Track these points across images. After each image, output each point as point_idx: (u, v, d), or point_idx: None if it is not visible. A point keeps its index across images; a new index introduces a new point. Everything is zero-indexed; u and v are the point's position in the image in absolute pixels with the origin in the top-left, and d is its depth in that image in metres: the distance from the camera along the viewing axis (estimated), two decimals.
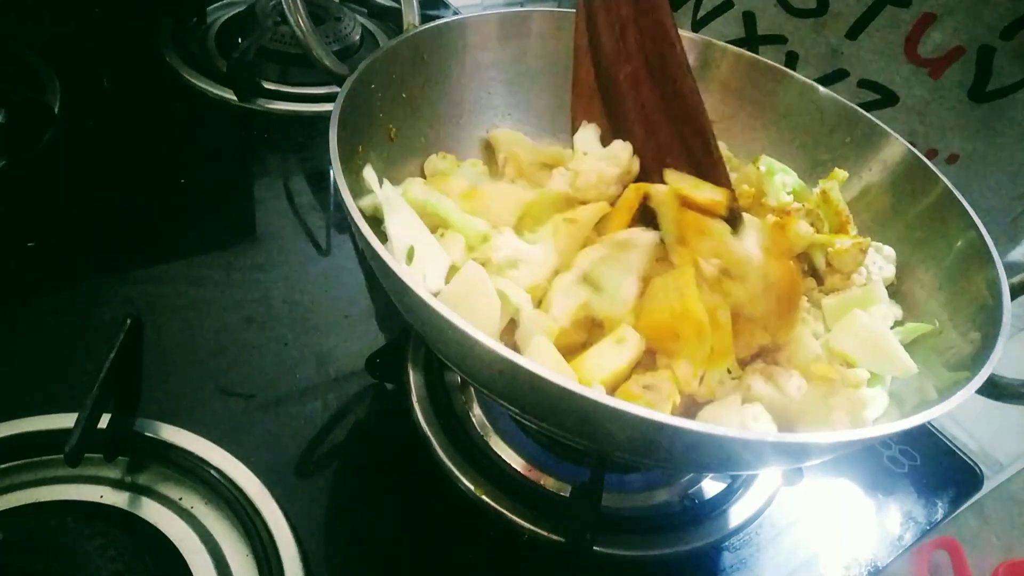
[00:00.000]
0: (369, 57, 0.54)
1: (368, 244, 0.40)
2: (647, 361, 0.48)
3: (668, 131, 0.55)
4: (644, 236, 0.51)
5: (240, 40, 0.92)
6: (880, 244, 0.57)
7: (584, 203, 0.55)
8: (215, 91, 0.91)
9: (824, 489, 0.64)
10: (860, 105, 0.65)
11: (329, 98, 0.76)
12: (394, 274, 0.39)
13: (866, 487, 0.65)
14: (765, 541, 0.58)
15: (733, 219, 0.53)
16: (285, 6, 0.54)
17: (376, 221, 0.50)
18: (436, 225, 0.53)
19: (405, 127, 0.59)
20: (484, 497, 0.54)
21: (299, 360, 0.63)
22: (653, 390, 0.45)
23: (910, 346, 0.51)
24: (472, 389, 0.61)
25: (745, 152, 0.67)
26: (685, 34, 0.69)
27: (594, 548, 0.51)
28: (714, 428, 0.35)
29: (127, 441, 0.51)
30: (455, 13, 0.66)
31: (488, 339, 0.35)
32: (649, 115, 0.56)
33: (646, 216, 0.54)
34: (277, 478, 0.52)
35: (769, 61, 0.69)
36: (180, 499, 0.51)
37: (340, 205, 0.81)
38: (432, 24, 0.60)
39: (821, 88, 0.66)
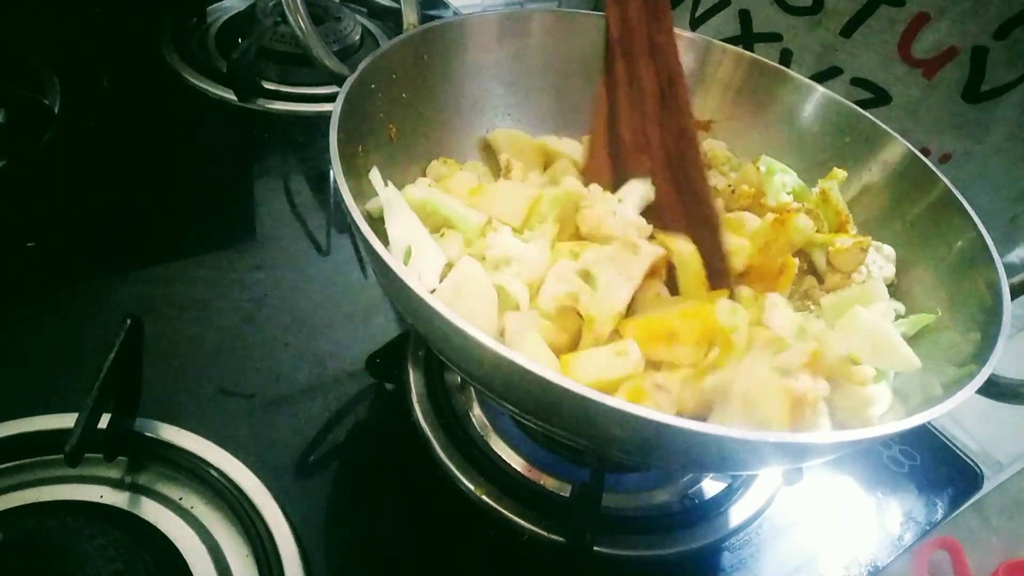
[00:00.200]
0: (369, 57, 0.54)
1: (367, 243, 0.40)
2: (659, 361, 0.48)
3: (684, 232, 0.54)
4: (650, 248, 0.51)
5: (240, 40, 0.92)
6: (880, 243, 0.57)
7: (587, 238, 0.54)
8: (215, 91, 0.91)
9: (824, 489, 0.64)
10: (853, 103, 0.65)
11: (329, 98, 0.76)
12: (392, 273, 0.39)
13: (866, 487, 0.65)
14: (765, 541, 0.58)
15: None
16: (285, 6, 0.54)
17: (382, 222, 0.51)
18: (439, 225, 0.53)
19: (405, 127, 0.59)
20: (484, 497, 0.54)
21: (299, 360, 0.63)
22: (663, 390, 0.45)
23: (910, 344, 0.51)
24: (472, 389, 0.61)
25: (745, 152, 0.67)
26: (685, 34, 0.70)
27: (594, 548, 0.51)
28: (714, 428, 0.35)
29: (127, 441, 0.51)
30: (455, 13, 0.66)
31: (487, 338, 0.35)
32: (663, 213, 0.55)
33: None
34: (277, 478, 0.52)
35: (769, 61, 0.69)
36: (180, 499, 0.51)
37: (340, 205, 0.81)
38: (432, 24, 0.60)
39: (821, 88, 0.66)
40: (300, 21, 0.54)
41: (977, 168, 0.78)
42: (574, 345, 0.49)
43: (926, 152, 0.77)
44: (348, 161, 0.48)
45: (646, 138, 0.55)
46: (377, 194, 0.53)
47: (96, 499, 0.50)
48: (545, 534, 0.53)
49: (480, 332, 0.36)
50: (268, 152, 0.89)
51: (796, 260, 0.54)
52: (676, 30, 0.69)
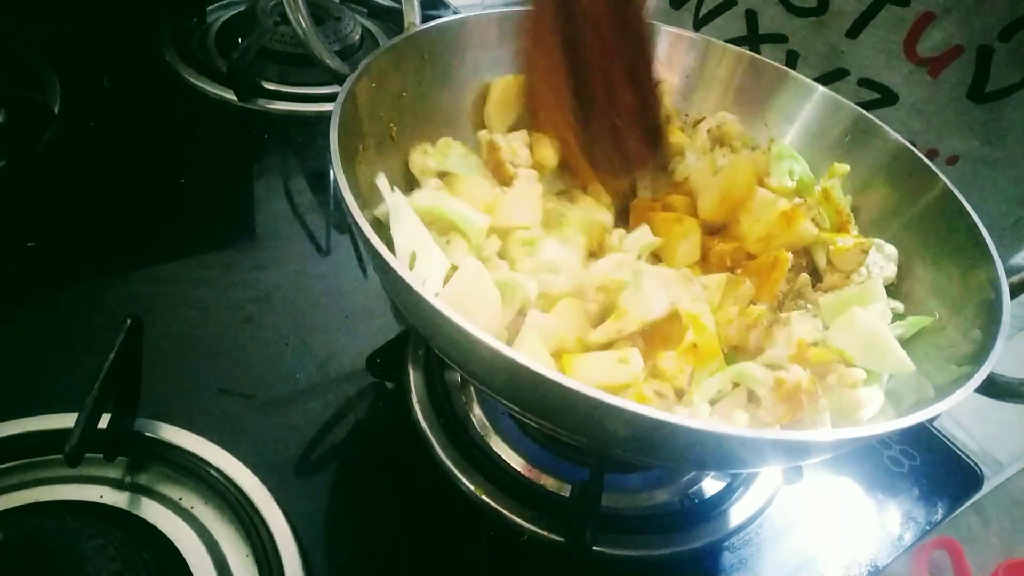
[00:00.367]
0: (369, 56, 0.54)
1: (367, 242, 0.40)
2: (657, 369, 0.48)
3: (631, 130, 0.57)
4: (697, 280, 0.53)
5: (240, 40, 0.92)
6: (882, 242, 0.57)
7: None
8: (215, 91, 0.91)
9: (824, 489, 0.64)
10: (860, 104, 0.65)
11: (329, 98, 0.76)
12: (393, 272, 0.39)
13: (866, 487, 0.65)
14: (765, 541, 0.58)
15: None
16: (286, 5, 0.54)
17: (386, 226, 0.51)
18: (447, 229, 0.53)
19: (406, 127, 0.59)
20: (484, 497, 0.54)
21: (299, 360, 0.63)
22: (662, 397, 0.46)
23: (910, 343, 0.51)
24: (472, 388, 0.61)
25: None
26: (686, 34, 0.70)
27: (594, 548, 0.51)
28: (713, 425, 0.35)
29: (127, 441, 0.51)
30: (455, 13, 0.66)
31: (488, 337, 0.35)
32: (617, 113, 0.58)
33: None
34: (277, 478, 0.52)
35: (770, 61, 0.69)
36: (180, 499, 0.51)
37: (340, 205, 0.81)
38: (432, 24, 0.60)
39: (821, 88, 0.66)
40: (301, 20, 0.54)
41: (984, 171, 0.78)
42: (576, 348, 0.49)
43: (933, 154, 0.76)
44: (348, 161, 0.48)
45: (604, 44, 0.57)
46: (382, 198, 0.53)
47: (96, 499, 0.50)
48: (545, 534, 0.53)
49: (481, 331, 0.36)
50: (268, 152, 0.89)
51: (790, 256, 0.54)
52: (677, 30, 0.69)
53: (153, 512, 0.50)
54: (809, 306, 0.54)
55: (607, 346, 0.49)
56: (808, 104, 0.66)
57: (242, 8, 1.08)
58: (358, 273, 0.74)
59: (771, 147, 0.62)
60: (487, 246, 0.53)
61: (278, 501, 0.51)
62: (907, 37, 0.72)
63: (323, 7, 1.04)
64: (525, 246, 0.54)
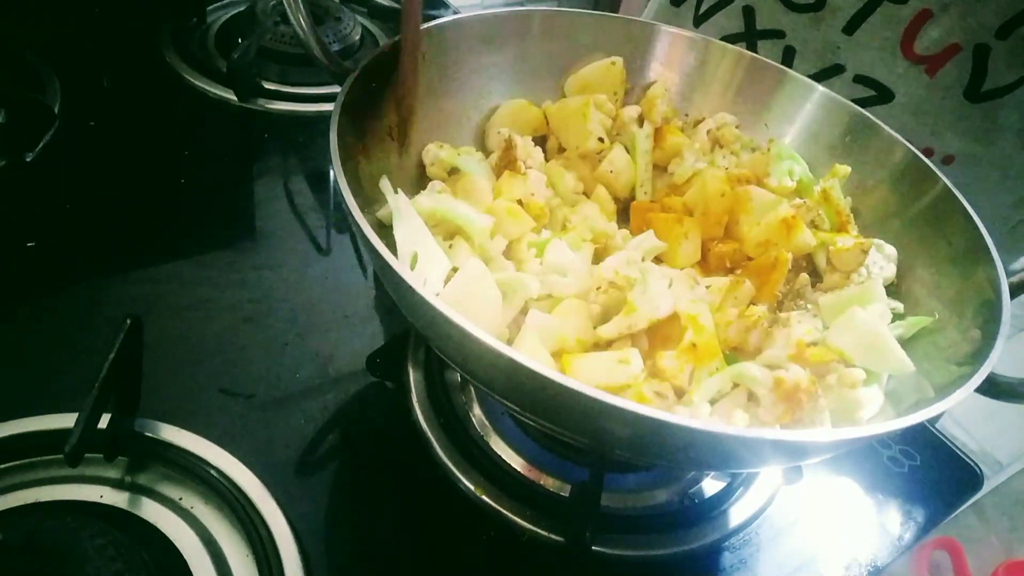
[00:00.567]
0: (370, 56, 0.54)
1: (367, 242, 0.40)
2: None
3: None
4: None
5: (240, 40, 0.92)
6: (881, 242, 0.57)
7: None
8: (215, 91, 0.91)
9: (824, 489, 0.64)
10: (855, 101, 0.65)
11: (329, 98, 0.76)
12: (393, 272, 0.39)
13: (866, 487, 0.65)
14: (765, 541, 0.58)
15: None
16: (286, 5, 0.54)
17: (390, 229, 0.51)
18: (452, 232, 0.54)
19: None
20: (484, 497, 0.54)
21: (299, 360, 0.63)
22: (661, 397, 0.46)
23: (910, 343, 0.51)
24: (472, 388, 0.61)
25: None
26: (685, 33, 0.70)
27: (593, 548, 0.51)
28: (712, 425, 0.35)
29: (127, 441, 0.51)
30: (455, 13, 0.66)
31: (488, 337, 0.35)
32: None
33: None
34: (277, 478, 0.52)
35: (769, 60, 0.69)
36: (180, 499, 0.51)
37: (340, 205, 0.81)
38: (432, 23, 0.60)
39: (821, 88, 0.66)
40: (301, 20, 0.54)
41: (980, 172, 0.78)
42: (577, 348, 0.49)
43: (929, 152, 0.77)
44: (348, 161, 0.48)
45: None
46: (384, 200, 0.53)
47: (96, 499, 0.50)
48: (545, 534, 0.53)
49: (481, 331, 0.36)
50: (268, 152, 0.89)
51: (790, 256, 0.54)
52: (676, 30, 0.70)
53: (153, 512, 0.50)
54: (809, 306, 0.54)
55: (611, 344, 0.49)
56: (808, 104, 0.67)
57: (242, 8, 1.08)
58: (358, 273, 0.74)
59: (771, 147, 0.62)
60: (491, 247, 0.53)
61: (278, 501, 0.51)
62: (904, 34, 0.72)
63: (323, 7, 1.04)
64: (532, 248, 0.54)
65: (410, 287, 0.38)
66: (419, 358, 0.62)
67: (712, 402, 0.47)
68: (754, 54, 0.69)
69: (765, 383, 0.46)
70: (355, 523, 0.53)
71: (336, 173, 0.44)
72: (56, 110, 0.81)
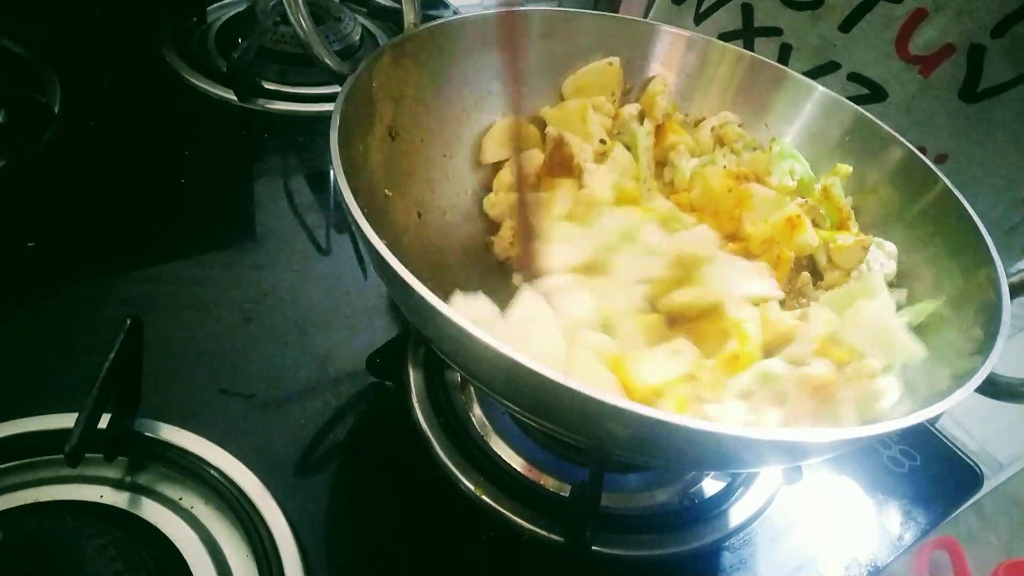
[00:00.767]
0: (370, 56, 0.54)
1: (368, 242, 0.40)
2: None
3: None
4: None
5: (240, 40, 0.92)
6: (882, 240, 0.57)
7: None
8: (215, 91, 0.91)
9: (824, 489, 0.64)
10: (849, 99, 0.65)
11: (329, 98, 0.76)
12: (393, 270, 0.39)
13: (866, 487, 0.65)
14: (765, 541, 0.58)
15: None
16: (286, 5, 0.54)
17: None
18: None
19: (405, 127, 0.59)
20: (484, 497, 0.54)
21: (299, 360, 0.63)
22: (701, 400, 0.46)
23: (918, 334, 0.51)
24: (472, 388, 0.61)
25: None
26: (685, 33, 0.70)
27: (593, 548, 0.51)
28: (712, 425, 0.35)
29: (127, 441, 0.51)
30: (455, 13, 0.66)
31: (488, 336, 0.35)
32: None
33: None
34: (277, 478, 0.52)
35: (769, 60, 0.69)
36: (180, 499, 0.51)
37: (340, 205, 0.81)
38: (432, 23, 0.60)
39: (821, 88, 0.66)
40: (301, 20, 0.54)
41: (974, 172, 0.78)
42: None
43: (922, 151, 0.77)
44: (348, 161, 0.48)
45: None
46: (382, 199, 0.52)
47: (96, 499, 0.50)
48: (545, 534, 0.53)
49: (480, 329, 0.36)
50: (268, 152, 0.89)
51: (792, 255, 0.54)
52: (676, 29, 0.70)
53: (153, 512, 0.50)
54: (811, 304, 0.54)
55: (674, 320, 0.49)
56: (808, 104, 0.66)
57: (242, 8, 1.08)
58: (358, 273, 0.74)
59: (772, 146, 0.62)
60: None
61: (278, 501, 0.51)
62: (899, 35, 0.72)
63: (323, 7, 1.04)
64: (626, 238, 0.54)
65: (411, 287, 0.38)
66: (419, 357, 0.62)
67: (741, 400, 0.47)
68: (754, 54, 0.69)
69: (791, 380, 0.45)
70: (355, 523, 0.53)
71: (336, 173, 0.44)
72: (56, 110, 0.81)
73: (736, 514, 0.58)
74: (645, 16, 0.97)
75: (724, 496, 0.59)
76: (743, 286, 0.50)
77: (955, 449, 0.69)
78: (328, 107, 0.63)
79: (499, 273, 0.62)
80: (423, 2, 0.62)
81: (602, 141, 0.63)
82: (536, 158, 0.62)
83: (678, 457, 0.44)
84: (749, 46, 0.82)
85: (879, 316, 0.48)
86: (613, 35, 0.68)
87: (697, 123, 0.68)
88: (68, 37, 0.93)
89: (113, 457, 0.51)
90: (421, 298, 0.37)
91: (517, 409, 0.44)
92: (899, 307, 0.53)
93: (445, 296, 0.43)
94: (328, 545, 0.51)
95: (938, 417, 0.55)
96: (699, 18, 0.89)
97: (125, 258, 0.69)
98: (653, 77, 0.69)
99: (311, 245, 0.76)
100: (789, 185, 0.60)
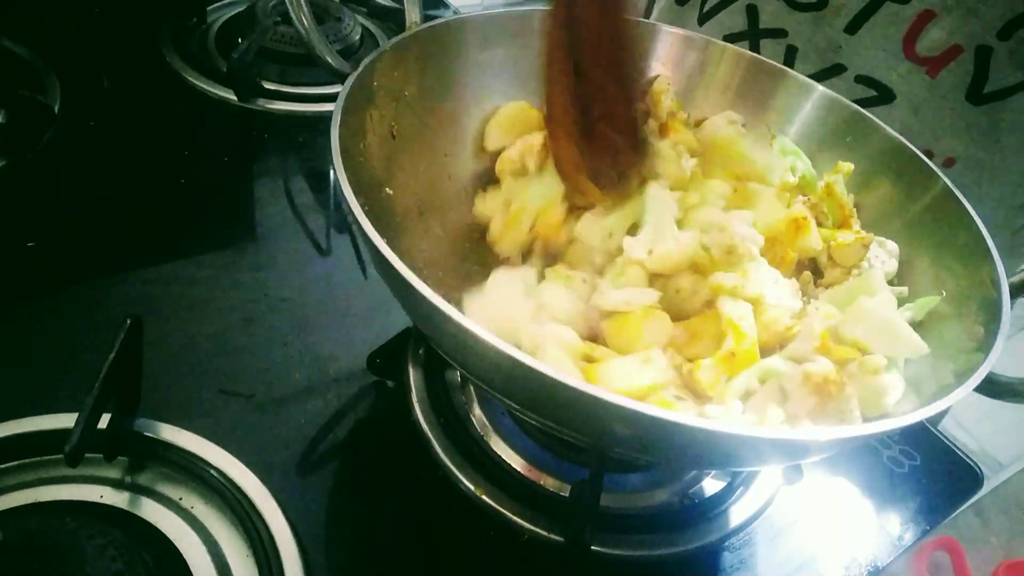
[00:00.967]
0: (371, 55, 0.54)
1: (368, 242, 0.40)
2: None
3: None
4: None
5: (240, 40, 0.92)
6: (883, 239, 0.57)
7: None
8: (215, 91, 0.91)
9: (824, 489, 0.64)
10: (856, 101, 0.65)
11: (329, 98, 0.76)
12: (393, 269, 0.39)
13: (866, 487, 0.65)
14: (765, 541, 0.58)
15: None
16: (288, 5, 0.54)
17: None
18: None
19: (406, 126, 0.59)
20: (484, 497, 0.54)
21: (299, 360, 0.63)
22: (683, 400, 0.46)
23: (918, 331, 0.51)
24: (472, 388, 0.61)
25: None
26: (686, 33, 0.70)
27: (593, 548, 0.51)
28: (712, 424, 0.35)
29: (127, 441, 0.51)
30: (455, 13, 0.66)
31: (488, 335, 0.35)
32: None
33: None
34: (277, 478, 0.52)
35: (769, 60, 0.69)
36: (180, 499, 0.51)
37: (340, 205, 0.81)
38: (434, 23, 0.60)
39: (821, 87, 0.66)
40: (303, 19, 0.54)
41: (981, 176, 0.77)
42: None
43: (929, 155, 0.77)
44: (349, 161, 0.48)
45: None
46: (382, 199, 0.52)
47: (96, 499, 0.50)
48: (545, 534, 0.52)
49: (479, 329, 0.36)
50: (268, 152, 0.89)
51: (795, 255, 0.54)
52: (676, 29, 0.70)
53: (153, 512, 0.50)
54: (812, 302, 0.54)
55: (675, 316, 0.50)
56: (809, 104, 0.66)
57: (242, 8, 1.08)
58: (358, 273, 0.74)
59: (773, 144, 0.62)
60: None
61: (278, 501, 0.51)
62: (906, 36, 0.72)
63: (323, 7, 1.04)
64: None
65: (411, 285, 0.38)
66: (419, 357, 0.62)
67: (743, 399, 0.47)
68: (754, 54, 0.69)
69: (793, 377, 0.45)
70: (355, 523, 0.53)
71: (337, 173, 0.44)
72: (56, 110, 0.81)
73: (736, 514, 0.58)
74: (646, 16, 0.97)
75: (724, 496, 0.59)
76: (777, 295, 0.49)
77: (955, 449, 0.69)
78: (328, 107, 0.63)
79: None
80: (423, 2, 0.62)
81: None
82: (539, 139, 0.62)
83: (678, 455, 0.44)
84: (755, 48, 0.82)
85: (881, 310, 0.48)
86: None
87: (698, 123, 0.68)
88: (68, 37, 0.93)
89: (113, 457, 0.51)
90: (422, 296, 0.37)
91: (516, 406, 0.44)
92: (900, 304, 0.53)
93: (445, 294, 0.43)
94: (328, 545, 0.51)
95: (939, 417, 0.55)
96: (703, 19, 0.88)
97: (125, 258, 0.69)
98: (657, 76, 0.69)
99: (311, 245, 0.76)
100: (790, 182, 0.60)
